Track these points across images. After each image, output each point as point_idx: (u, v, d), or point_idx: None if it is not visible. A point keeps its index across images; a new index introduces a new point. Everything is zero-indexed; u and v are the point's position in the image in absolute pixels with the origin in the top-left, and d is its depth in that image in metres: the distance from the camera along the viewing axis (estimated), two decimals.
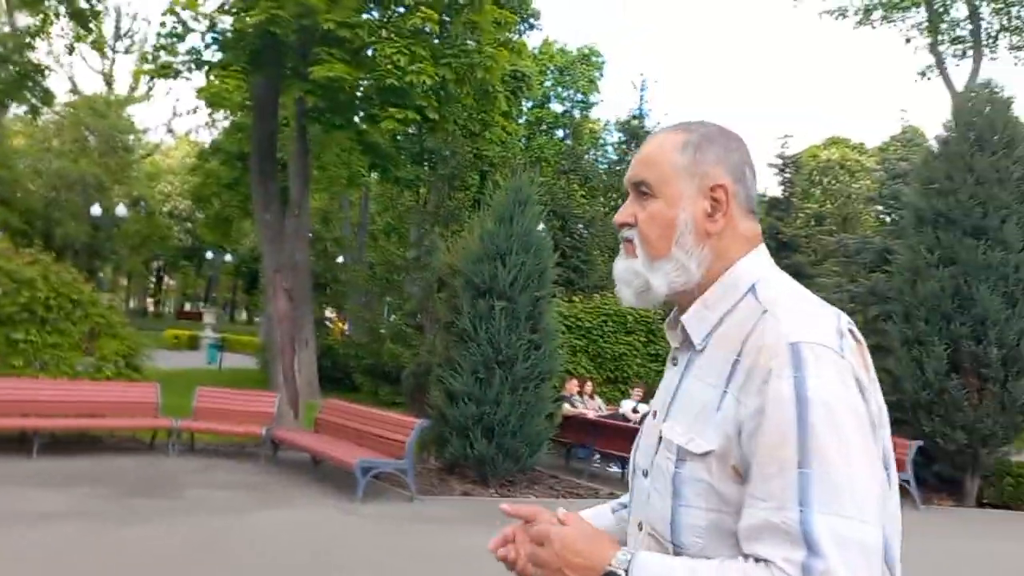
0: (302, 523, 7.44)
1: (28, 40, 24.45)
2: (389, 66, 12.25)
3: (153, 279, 57.38)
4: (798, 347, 1.12)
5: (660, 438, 1.26)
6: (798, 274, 18.21)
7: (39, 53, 25.00)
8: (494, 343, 9.46)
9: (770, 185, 21.31)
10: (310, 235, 19.37)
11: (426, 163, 24.23)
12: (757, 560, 1.08)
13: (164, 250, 47.44)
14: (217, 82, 11.77)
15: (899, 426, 11.75)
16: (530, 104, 31.36)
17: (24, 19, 26.00)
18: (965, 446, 10.80)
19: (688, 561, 1.15)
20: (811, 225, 24.38)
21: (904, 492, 10.84)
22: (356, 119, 14.20)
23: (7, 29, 25.99)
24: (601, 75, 35.14)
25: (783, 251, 18.62)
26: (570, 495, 9.74)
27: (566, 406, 11.52)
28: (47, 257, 10.53)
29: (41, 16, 24.11)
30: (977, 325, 10.70)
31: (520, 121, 29.02)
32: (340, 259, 25.56)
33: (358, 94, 13.69)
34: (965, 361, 10.79)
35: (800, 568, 1.04)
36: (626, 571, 1.15)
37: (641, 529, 1.28)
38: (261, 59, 12.58)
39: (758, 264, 1.28)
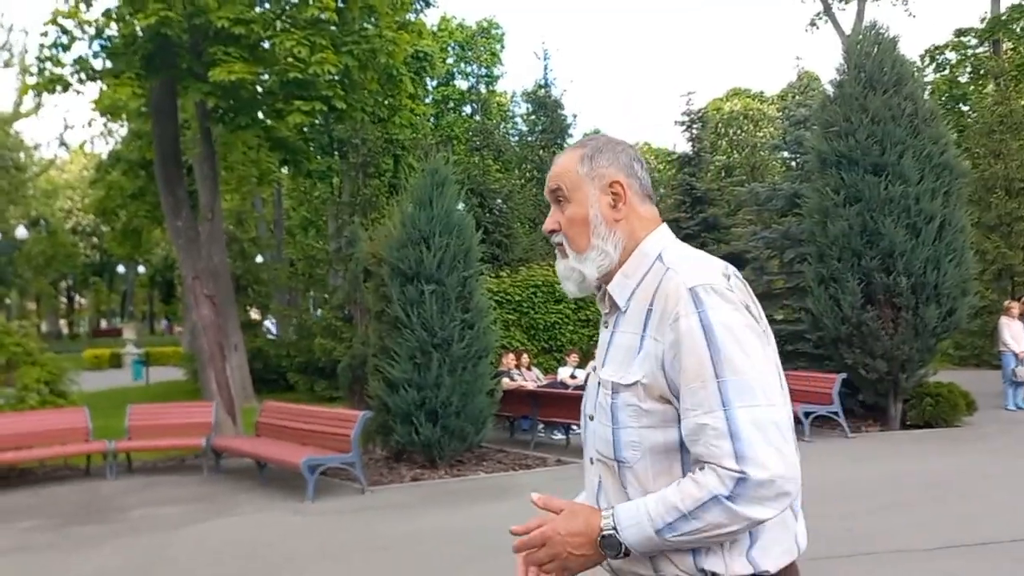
0: (254, 529, 7.37)
1: None
2: (291, 59, 11.99)
3: (64, 299, 55.09)
4: (695, 290, 1.44)
5: (599, 383, 1.57)
6: (714, 226, 18.77)
7: None
8: (428, 327, 9.47)
9: (679, 142, 21.70)
10: (226, 238, 18.90)
11: (336, 153, 23.86)
12: (701, 468, 1.38)
13: (72, 268, 45.58)
14: (111, 91, 11.32)
15: (822, 361, 12.29)
16: (435, 83, 31.13)
17: None
18: (886, 374, 11.35)
19: (653, 494, 1.43)
20: (722, 177, 24.99)
21: (834, 423, 11.36)
22: (261, 115, 13.85)
23: None
24: (503, 47, 35.13)
25: (698, 205, 19.05)
26: (519, 467, 9.88)
27: (505, 380, 11.64)
28: None
29: None
30: (886, 258, 11.19)
31: (427, 101, 28.80)
32: (259, 259, 25.04)
33: (260, 90, 13.36)
34: (878, 293, 11.30)
35: (733, 457, 1.34)
36: (614, 527, 1.43)
37: (592, 463, 1.59)
38: (155, 63, 12.15)
39: (662, 238, 1.60)
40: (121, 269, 39.81)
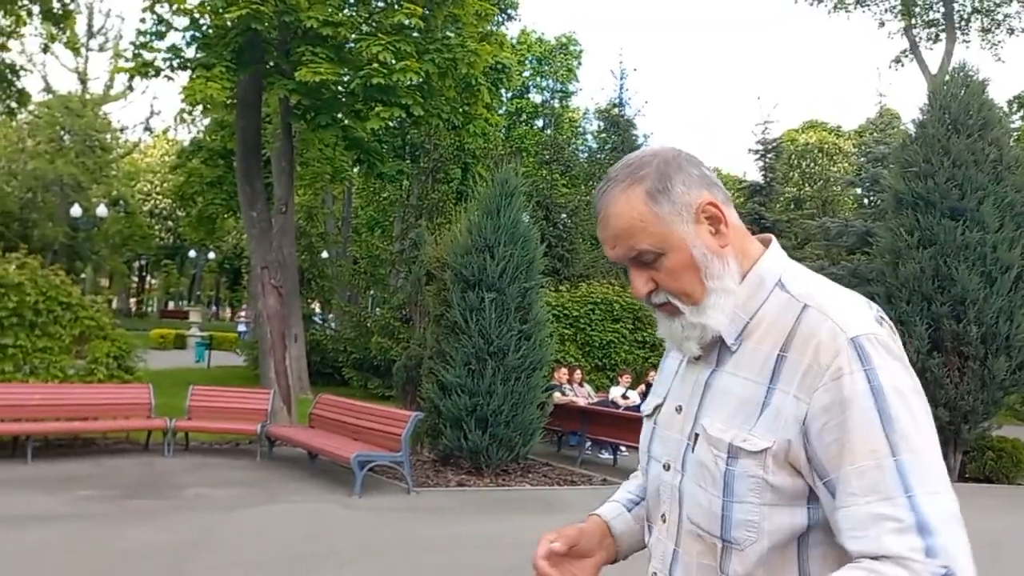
0: (301, 517, 7.53)
1: (1, 41, 24.18)
2: (375, 64, 12.27)
3: (136, 279, 56.97)
4: (858, 341, 1.15)
5: (694, 434, 1.28)
6: None
7: (12, 53, 24.75)
8: (485, 334, 9.56)
9: (750, 170, 21.49)
10: (295, 231, 19.37)
11: (408, 157, 24.24)
12: (880, 559, 1.09)
13: (146, 249, 47.13)
14: (201, 83, 11.77)
15: None
16: (509, 95, 31.40)
17: None
18: (947, 423, 11.04)
19: None
20: (791, 209, 24.63)
21: None
22: (341, 115, 14.20)
23: None
24: (579, 64, 35.25)
25: None
26: (564, 483, 9.88)
27: (556, 394, 11.66)
28: (34, 261, 10.49)
29: (14, 17, 23.85)
30: (957, 304, 10.92)
31: (500, 112, 29.06)
32: (324, 254, 25.55)
33: (341, 90, 13.70)
34: (946, 340, 11.01)
35: (925, 551, 1.07)
36: None
37: (665, 521, 1.33)
38: (244, 57, 12.56)
39: (778, 259, 1.31)
40: (192, 254, 41.03)
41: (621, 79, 28.06)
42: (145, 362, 11.87)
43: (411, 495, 8.72)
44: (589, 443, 11.75)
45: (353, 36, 12.62)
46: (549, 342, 10.45)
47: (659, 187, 1.25)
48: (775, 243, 1.33)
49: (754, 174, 21.06)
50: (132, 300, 57.16)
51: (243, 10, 11.44)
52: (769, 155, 20.41)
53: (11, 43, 24.66)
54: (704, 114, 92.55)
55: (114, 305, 47.84)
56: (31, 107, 32.11)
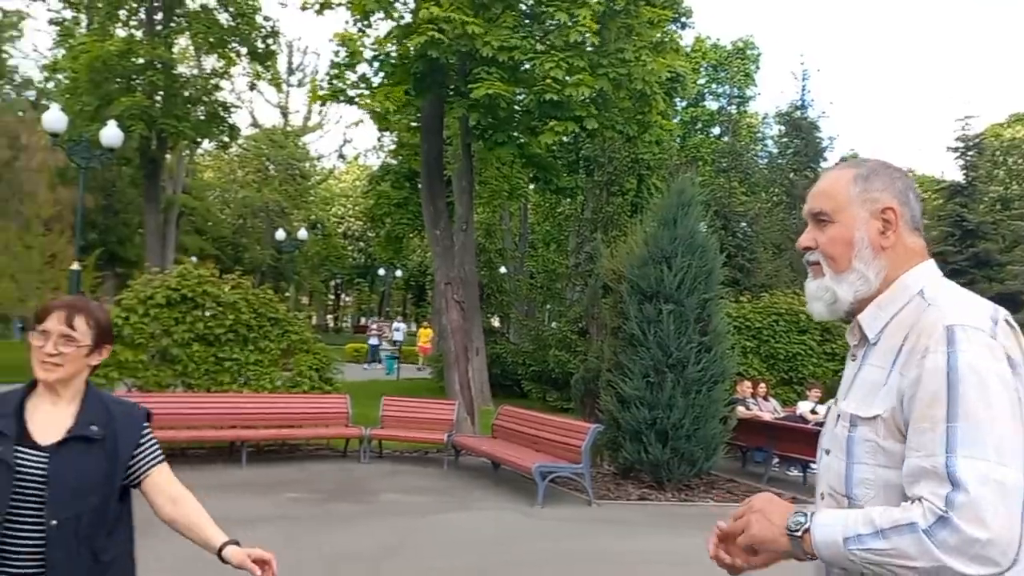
0: (488, 525, 7.76)
1: (215, 81, 26.76)
2: (548, 80, 12.53)
3: (332, 296, 60.92)
4: (952, 328, 1.37)
5: (838, 416, 1.54)
6: (986, 263, 17.06)
7: (224, 93, 27.30)
8: (664, 346, 9.47)
9: (948, 170, 19.94)
10: (475, 248, 20.03)
11: (583, 170, 24.46)
12: (913, 500, 1.32)
13: (340, 269, 50.31)
14: (382, 98, 12.49)
15: None
16: (684, 103, 30.93)
17: (210, 62, 28.53)
18: None
19: (862, 509, 1.40)
20: (997, 210, 22.60)
21: None
22: (516, 133, 14.60)
23: (196, 72, 28.57)
24: (757, 68, 34.19)
25: (968, 239, 17.42)
26: None
27: (740, 408, 11.33)
28: (247, 281, 11.50)
29: (225, 59, 26.35)
30: None
31: (675, 121, 28.70)
32: (503, 270, 26.22)
33: (517, 108, 14.08)
34: None
35: (944, 500, 1.28)
36: (806, 529, 1.39)
37: (823, 498, 1.56)
38: (425, 82, 13.22)
39: (927, 273, 1.53)
40: (381, 272, 43.31)
41: (803, 80, 26.97)
42: (342, 374, 12.67)
43: (592, 507, 8.77)
44: (777, 460, 11.30)
45: (526, 56, 12.96)
46: (731, 354, 10.19)
47: (864, 175, 1.55)
48: (928, 262, 1.55)
49: (954, 173, 19.58)
50: (329, 316, 61.11)
51: (421, 38, 12.05)
52: (971, 152, 18.84)
53: (223, 83, 27.27)
54: (896, 111, 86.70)
55: (313, 321, 51.39)
56: (240, 141, 35.24)
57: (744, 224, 18.75)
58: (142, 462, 2.34)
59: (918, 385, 1.36)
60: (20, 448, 2.17)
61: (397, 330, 30.22)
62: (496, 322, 25.58)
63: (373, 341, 30.83)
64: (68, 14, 26.31)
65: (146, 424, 2.40)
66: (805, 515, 1.42)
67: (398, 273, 42.73)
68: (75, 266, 14.83)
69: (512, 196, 25.44)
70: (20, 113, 30.46)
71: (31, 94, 34.37)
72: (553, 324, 22.08)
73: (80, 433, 2.23)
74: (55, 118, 14.45)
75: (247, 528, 7.19)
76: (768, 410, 12.19)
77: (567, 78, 12.40)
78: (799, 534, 1.40)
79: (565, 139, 18.37)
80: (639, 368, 9.57)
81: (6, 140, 29.84)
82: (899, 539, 1.30)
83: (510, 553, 6.78)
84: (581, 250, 20.16)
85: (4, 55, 31.18)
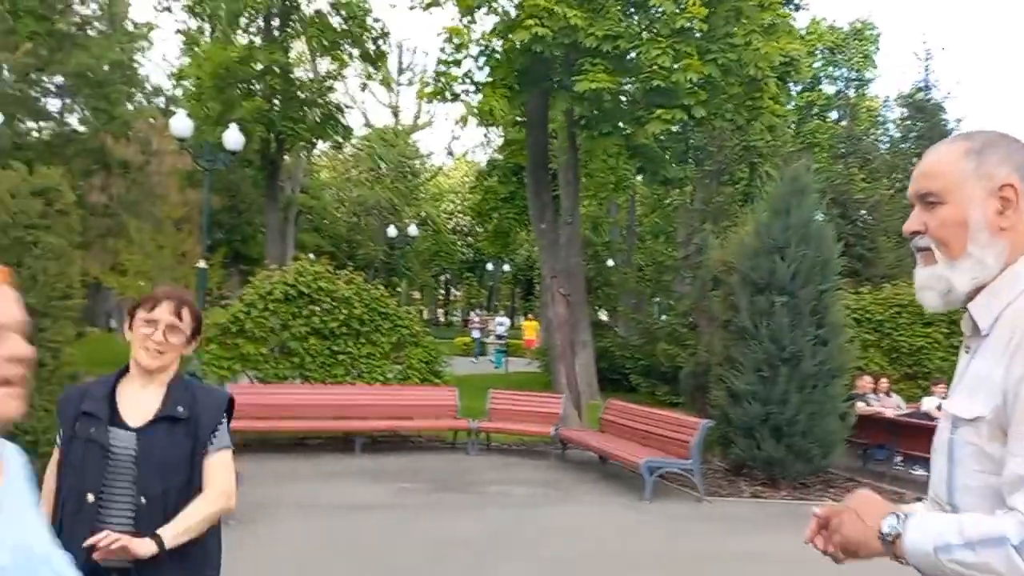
0: (594, 519, 7.73)
1: (329, 83, 27.64)
2: (654, 67, 12.32)
3: (442, 291, 62.05)
4: None
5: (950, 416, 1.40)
6: None
7: (337, 94, 28.18)
8: (777, 340, 9.16)
9: None
10: (582, 241, 19.94)
11: (692, 160, 23.97)
12: (1008, 510, 1.21)
13: (450, 264, 51.14)
14: (487, 100, 12.59)
15: None
16: (799, 88, 29.85)
17: (324, 65, 29.50)
18: None
19: (957, 515, 1.28)
20: None
21: None
22: (622, 124, 14.44)
23: (311, 76, 29.60)
24: (876, 49, 32.63)
25: None
26: None
27: (860, 404, 10.85)
28: (359, 277, 11.83)
29: (338, 62, 27.18)
30: None
31: (789, 107, 27.75)
32: (610, 263, 26.01)
33: (623, 99, 13.92)
34: None
35: None
36: (898, 534, 1.28)
37: (930, 505, 1.45)
38: (529, 77, 13.23)
39: None
40: (490, 267, 43.78)
41: (926, 60, 25.59)
42: (451, 367, 12.87)
43: (702, 504, 8.59)
44: (900, 458, 10.77)
45: (631, 45, 12.77)
46: (849, 348, 9.77)
47: (977, 149, 1.37)
48: None
49: None
50: (440, 311, 62.27)
51: (525, 33, 12.06)
52: None
53: (336, 85, 28.15)
54: (1007, 132, 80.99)
55: (424, 316, 52.49)
56: (354, 141, 36.31)
57: (864, 212, 17.92)
58: (209, 444, 2.41)
59: (1022, 384, 1.23)
60: (112, 429, 2.30)
61: (500, 324, 30.43)
62: (604, 316, 25.40)
63: (476, 334, 31.18)
64: (193, 24, 27.75)
65: (228, 409, 2.48)
66: (899, 518, 1.30)
67: (506, 268, 43.09)
68: (201, 264, 15.60)
69: (618, 188, 25.20)
70: (151, 120, 32.34)
71: (160, 101, 36.43)
72: (663, 317, 21.76)
73: (167, 414, 2.34)
74: (181, 124, 15.22)
75: (362, 514, 7.42)
76: (890, 406, 11.61)
77: (674, 65, 12.15)
78: (891, 539, 1.30)
79: (673, 128, 18.05)
80: (751, 362, 9.30)
81: (139, 145, 31.70)
82: (988, 553, 1.19)
83: (616, 547, 6.73)
84: (691, 241, 19.76)
85: (136, 65, 33.10)
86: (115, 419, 2.33)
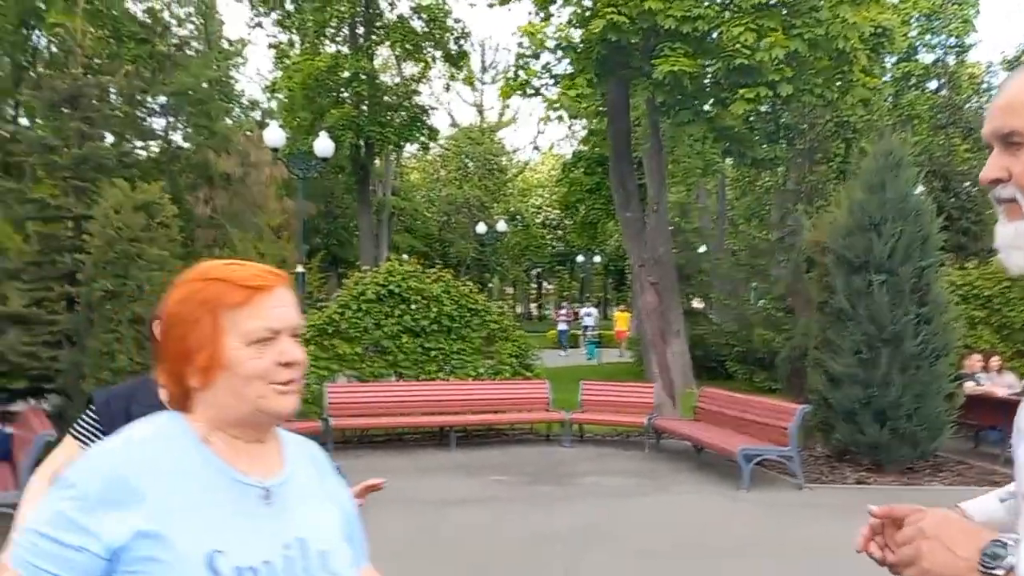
0: (690, 509, 7.64)
1: (413, 86, 28.13)
2: (737, 46, 12.03)
3: (534, 285, 62.28)
4: None
5: None
6: None
7: (423, 96, 28.64)
8: (876, 320, 8.84)
9: None
10: (670, 228, 19.67)
11: (783, 140, 23.30)
12: None
13: (540, 258, 51.25)
14: (570, 92, 12.56)
15: None
16: (894, 59, 28.59)
17: (409, 69, 30.04)
18: None
19: None
20: None
21: None
22: (707, 107, 14.17)
23: (396, 80, 30.17)
24: (977, 12, 30.91)
25: None
26: (985, 483, 8.72)
27: (968, 384, 10.35)
28: (448, 274, 12.02)
29: (422, 64, 27.63)
30: None
31: (885, 79, 26.62)
32: (702, 249, 25.55)
33: (706, 81, 13.66)
34: None
35: None
36: (1011, 568, 0.99)
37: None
38: (608, 65, 13.13)
39: None
40: (580, 259, 43.67)
41: None
42: (542, 360, 12.92)
43: (803, 491, 8.37)
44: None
45: (712, 25, 12.50)
46: (955, 326, 9.34)
47: None
48: None
49: None
50: (532, 305, 62.52)
51: (602, 21, 11.97)
52: None
53: (421, 87, 28.62)
54: None
55: (518, 310, 52.78)
56: (440, 141, 36.82)
57: (968, 184, 17.06)
58: None
59: None
60: None
61: (588, 315, 30.21)
62: (697, 303, 25.00)
63: (562, 327, 31.08)
64: (283, 37, 28.69)
65: None
66: (1005, 546, 1.00)
67: (596, 259, 42.90)
68: (299, 269, 16.15)
69: (707, 173, 24.74)
70: (248, 133, 33.62)
71: (257, 114, 37.82)
72: (760, 302, 21.25)
73: None
74: (274, 134, 15.82)
75: (458, 508, 7.55)
76: (1003, 385, 11.03)
77: (758, 43, 11.83)
78: (999, 573, 1.00)
79: (762, 108, 17.58)
80: (849, 344, 9.01)
81: (238, 158, 32.99)
82: None
83: (714, 537, 6.64)
84: (784, 224, 19.23)
85: (232, 81, 34.46)
86: None
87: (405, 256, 30.33)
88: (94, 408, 2.39)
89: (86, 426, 2.38)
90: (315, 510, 1.29)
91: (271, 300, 1.23)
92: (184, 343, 1.21)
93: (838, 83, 14.61)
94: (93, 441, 2.35)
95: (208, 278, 1.24)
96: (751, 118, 18.52)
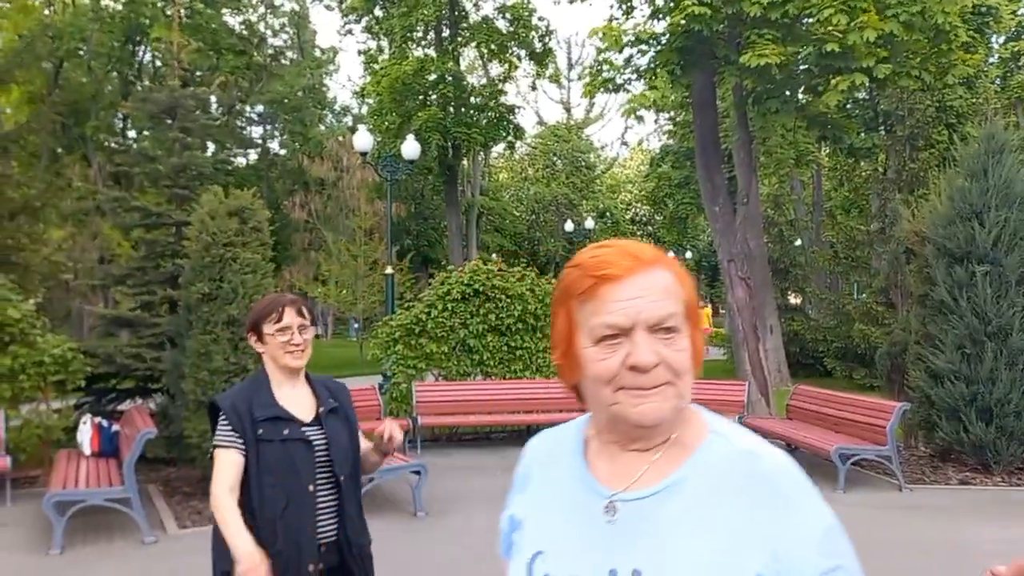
0: None
1: (499, 86, 28.30)
2: (829, 28, 11.60)
3: None
4: None
5: None
6: None
7: (509, 96, 28.78)
8: (980, 313, 8.40)
9: None
10: (763, 221, 19.17)
11: (882, 127, 22.39)
12: None
13: None
14: (648, 93, 12.40)
15: None
16: (1002, 39, 27.07)
17: (494, 69, 30.24)
18: None
19: None
20: None
21: None
22: (798, 95, 13.73)
23: (483, 81, 30.42)
24: None
25: None
26: None
27: None
28: (531, 272, 12.03)
29: (507, 64, 27.77)
30: None
31: (992, 60, 25.24)
32: (798, 242, 24.80)
33: (796, 69, 13.23)
34: None
35: None
36: None
37: None
38: (692, 57, 12.88)
39: None
40: (671, 255, 43.17)
41: None
42: None
43: (903, 492, 8.02)
44: None
45: (801, 9, 12.09)
46: None
47: None
48: None
49: None
50: None
51: (683, 13, 11.75)
52: None
53: (507, 87, 28.77)
54: None
55: None
56: (528, 139, 36.95)
57: None
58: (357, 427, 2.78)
59: None
60: (304, 427, 2.58)
61: None
62: (794, 298, 24.28)
63: None
64: (373, 43, 29.33)
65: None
66: None
67: (688, 254, 42.25)
68: (388, 270, 16.47)
69: (800, 163, 23.98)
70: (340, 138, 34.54)
71: (348, 120, 38.80)
72: (862, 296, 20.49)
73: (331, 407, 2.65)
74: (363, 139, 16.15)
75: None
76: None
77: (850, 24, 11.37)
78: None
79: (858, 95, 16.92)
80: (952, 339, 8.59)
81: (331, 163, 33.90)
82: None
83: None
84: (883, 214, 18.46)
85: (324, 88, 35.46)
86: (294, 418, 2.58)
87: (493, 256, 30.57)
88: (223, 415, 2.56)
89: (225, 434, 2.54)
90: (679, 544, 1.03)
91: (618, 291, 1.04)
92: (553, 335, 1.12)
93: (935, 63, 13.91)
94: (236, 444, 2.52)
95: (572, 263, 1.11)
96: (848, 105, 17.85)
